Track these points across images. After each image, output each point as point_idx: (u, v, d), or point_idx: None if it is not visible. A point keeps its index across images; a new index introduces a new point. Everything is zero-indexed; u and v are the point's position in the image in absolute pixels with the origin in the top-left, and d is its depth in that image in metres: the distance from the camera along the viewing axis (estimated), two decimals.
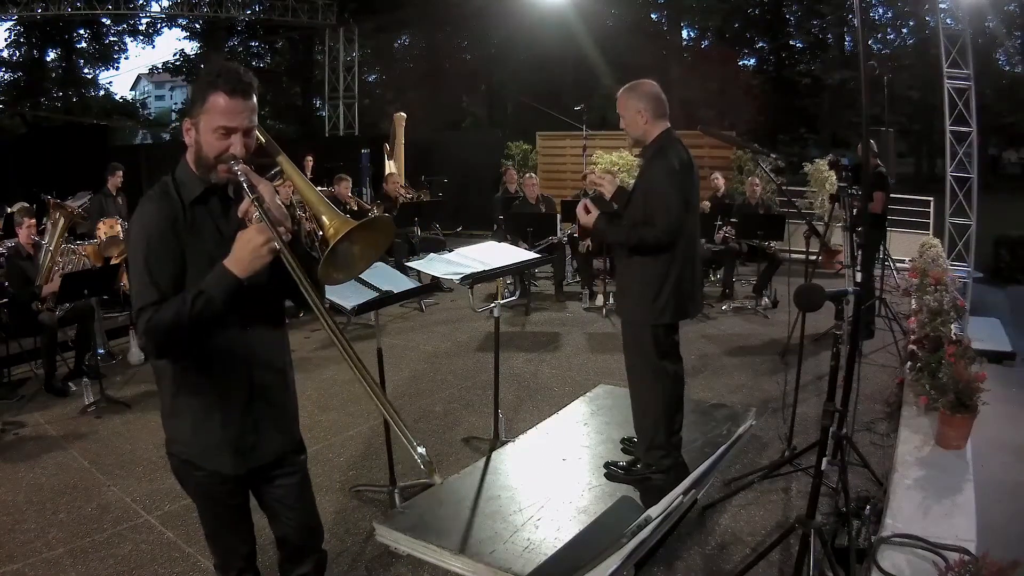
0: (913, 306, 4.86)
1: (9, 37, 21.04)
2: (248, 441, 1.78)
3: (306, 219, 6.50)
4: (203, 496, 1.84)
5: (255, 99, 1.66)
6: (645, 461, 3.14)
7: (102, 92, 24.64)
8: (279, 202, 1.66)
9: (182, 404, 1.75)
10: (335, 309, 3.15)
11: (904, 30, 21.77)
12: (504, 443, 3.63)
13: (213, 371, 1.71)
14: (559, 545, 2.62)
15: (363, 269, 1.83)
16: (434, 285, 6.94)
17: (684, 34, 23.33)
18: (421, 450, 1.55)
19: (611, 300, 6.26)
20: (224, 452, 1.75)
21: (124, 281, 5.85)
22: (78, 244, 6.22)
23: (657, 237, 2.86)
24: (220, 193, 1.72)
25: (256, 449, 1.80)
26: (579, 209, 3.04)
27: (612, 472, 3.20)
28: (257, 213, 1.58)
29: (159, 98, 34.71)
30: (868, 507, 2.79)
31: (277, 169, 1.86)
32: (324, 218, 1.68)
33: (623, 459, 3.30)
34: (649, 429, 3.10)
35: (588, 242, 7.04)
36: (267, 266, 1.61)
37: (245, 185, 1.60)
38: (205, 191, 1.70)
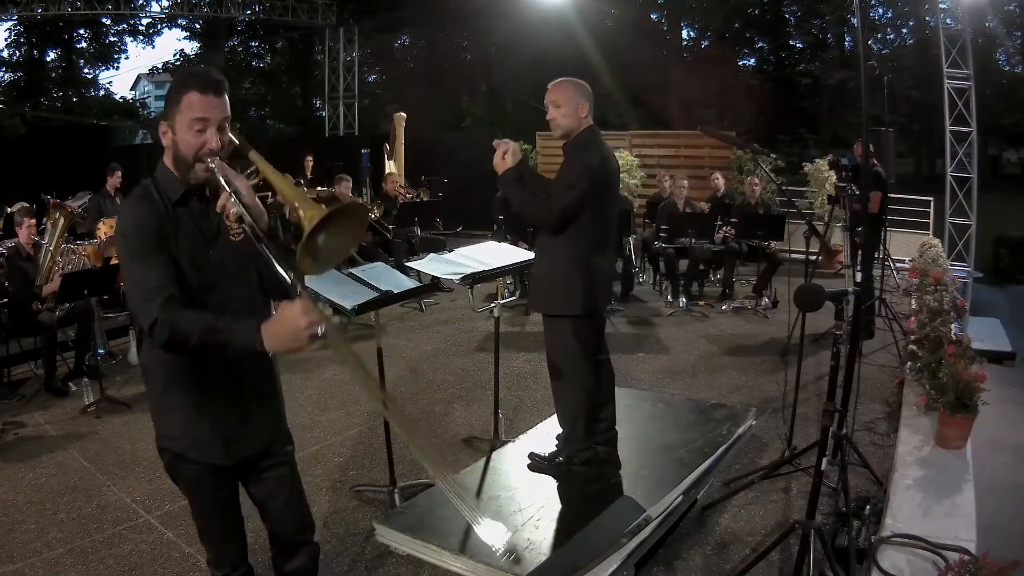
0: (913, 306, 4.86)
1: (9, 37, 21.05)
2: (237, 431, 1.82)
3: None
4: (194, 490, 1.87)
5: (227, 97, 1.70)
6: (565, 452, 3.18)
7: (102, 92, 24.62)
8: (256, 199, 1.69)
9: (171, 398, 1.78)
10: (335, 309, 3.15)
11: (904, 30, 21.75)
12: (504, 443, 3.63)
13: (201, 364, 1.73)
14: (559, 545, 2.62)
15: (341, 258, 1.83)
16: (434, 285, 6.93)
17: (684, 34, 23.34)
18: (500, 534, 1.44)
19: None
20: (214, 443, 1.79)
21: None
22: (78, 244, 6.21)
23: (544, 217, 2.94)
24: (199, 193, 1.75)
25: (245, 439, 1.84)
26: (498, 153, 3.04)
27: (535, 462, 3.24)
28: (235, 209, 1.60)
29: (159, 98, 34.62)
30: (868, 507, 2.79)
31: (252, 169, 1.87)
32: (300, 211, 1.69)
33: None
34: (568, 424, 3.16)
35: None
36: (252, 262, 1.62)
37: (222, 180, 1.63)
38: (185, 192, 1.73)
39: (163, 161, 1.74)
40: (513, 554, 1.45)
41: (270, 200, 4.40)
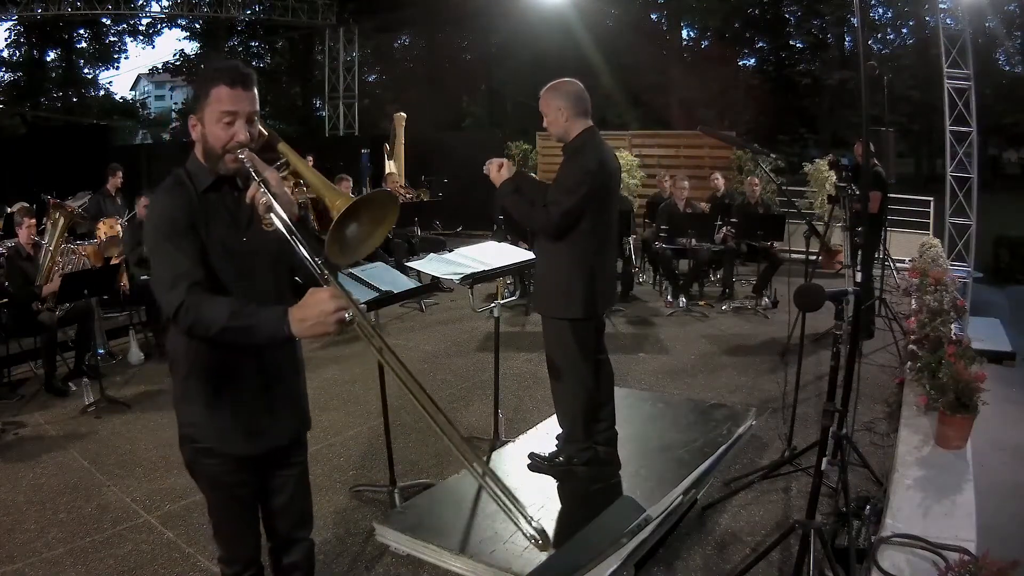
0: (913, 306, 4.86)
1: (9, 37, 21.05)
2: (261, 423, 1.81)
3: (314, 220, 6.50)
4: (213, 485, 1.86)
5: (255, 90, 1.71)
6: (565, 453, 3.20)
7: (102, 92, 24.62)
8: (285, 189, 1.69)
9: (195, 386, 1.77)
10: None
11: (904, 30, 21.75)
12: (504, 443, 3.63)
13: (226, 353, 1.72)
14: (559, 545, 2.62)
15: (372, 248, 1.83)
16: (434, 285, 6.94)
17: (684, 34, 23.36)
18: (533, 525, 1.44)
19: None
20: (238, 433, 1.78)
21: (124, 281, 5.84)
22: (78, 244, 6.22)
23: (544, 223, 2.94)
24: (231, 182, 1.76)
25: (269, 431, 1.83)
26: (492, 168, 3.07)
27: (535, 462, 3.27)
28: (264, 199, 1.61)
29: (159, 98, 34.67)
30: (868, 507, 2.79)
31: (283, 160, 1.89)
32: (327, 198, 1.70)
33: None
34: (568, 424, 3.19)
35: None
36: (282, 254, 1.63)
37: (251, 172, 1.64)
38: (217, 180, 1.74)
39: (194, 152, 1.76)
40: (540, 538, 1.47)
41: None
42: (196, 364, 1.75)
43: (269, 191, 1.61)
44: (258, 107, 1.72)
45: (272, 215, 1.60)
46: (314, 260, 1.56)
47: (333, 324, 1.48)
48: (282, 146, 1.89)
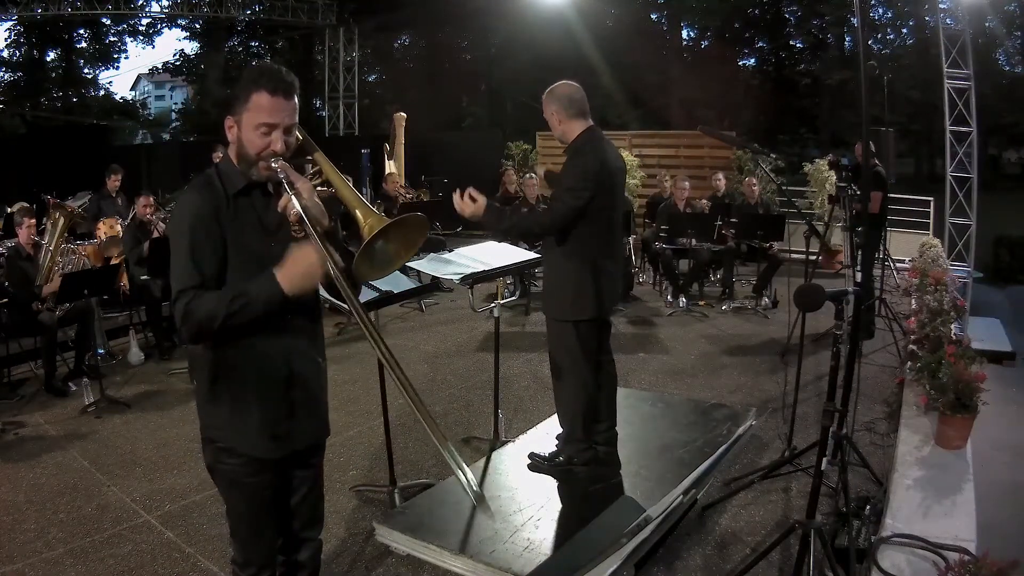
0: (913, 306, 4.86)
1: (9, 37, 21.08)
2: (284, 427, 1.82)
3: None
4: (232, 486, 1.86)
5: (296, 99, 1.70)
6: (565, 453, 3.21)
7: (102, 92, 24.62)
8: (317, 199, 1.69)
9: (220, 389, 1.77)
10: (335, 308, 3.15)
11: (904, 30, 21.76)
12: (504, 443, 3.63)
13: (252, 357, 1.73)
14: (559, 545, 2.62)
15: (398, 266, 1.89)
16: (434, 285, 6.94)
17: (684, 34, 23.38)
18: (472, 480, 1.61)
19: None
20: (261, 436, 1.79)
21: (124, 281, 5.84)
22: (78, 244, 6.22)
23: (548, 223, 2.95)
24: (262, 186, 1.75)
25: (291, 435, 1.84)
26: (461, 200, 2.94)
27: (535, 462, 3.28)
28: (295, 210, 1.62)
29: (159, 98, 34.68)
30: (868, 507, 2.79)
31: (316, 168, 1.89)
32: (360, 215, 1.71)
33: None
34: (568, 423, 3.20)
35: None
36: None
37: (284, 182, 1.64)
38: (248, 184, 1.73)
39: (227, 153, 1.75)
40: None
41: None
42: (221, 369, 1.75)
43: (300, 203, 1.62)
44: (297, 118, 1.70)
45: (303, 226, 1.62)
46: (338, 272, 1.60)
47: (320, 274, 1.61)
48: (318, 155, 1.88)
